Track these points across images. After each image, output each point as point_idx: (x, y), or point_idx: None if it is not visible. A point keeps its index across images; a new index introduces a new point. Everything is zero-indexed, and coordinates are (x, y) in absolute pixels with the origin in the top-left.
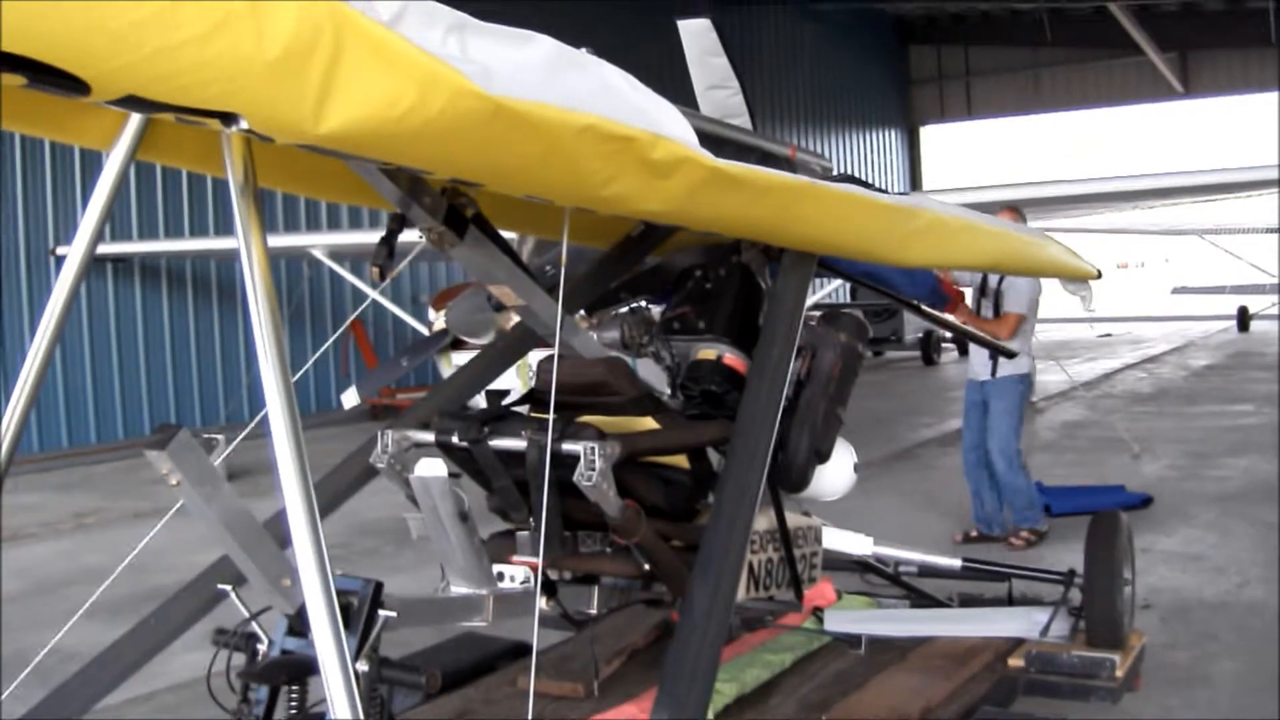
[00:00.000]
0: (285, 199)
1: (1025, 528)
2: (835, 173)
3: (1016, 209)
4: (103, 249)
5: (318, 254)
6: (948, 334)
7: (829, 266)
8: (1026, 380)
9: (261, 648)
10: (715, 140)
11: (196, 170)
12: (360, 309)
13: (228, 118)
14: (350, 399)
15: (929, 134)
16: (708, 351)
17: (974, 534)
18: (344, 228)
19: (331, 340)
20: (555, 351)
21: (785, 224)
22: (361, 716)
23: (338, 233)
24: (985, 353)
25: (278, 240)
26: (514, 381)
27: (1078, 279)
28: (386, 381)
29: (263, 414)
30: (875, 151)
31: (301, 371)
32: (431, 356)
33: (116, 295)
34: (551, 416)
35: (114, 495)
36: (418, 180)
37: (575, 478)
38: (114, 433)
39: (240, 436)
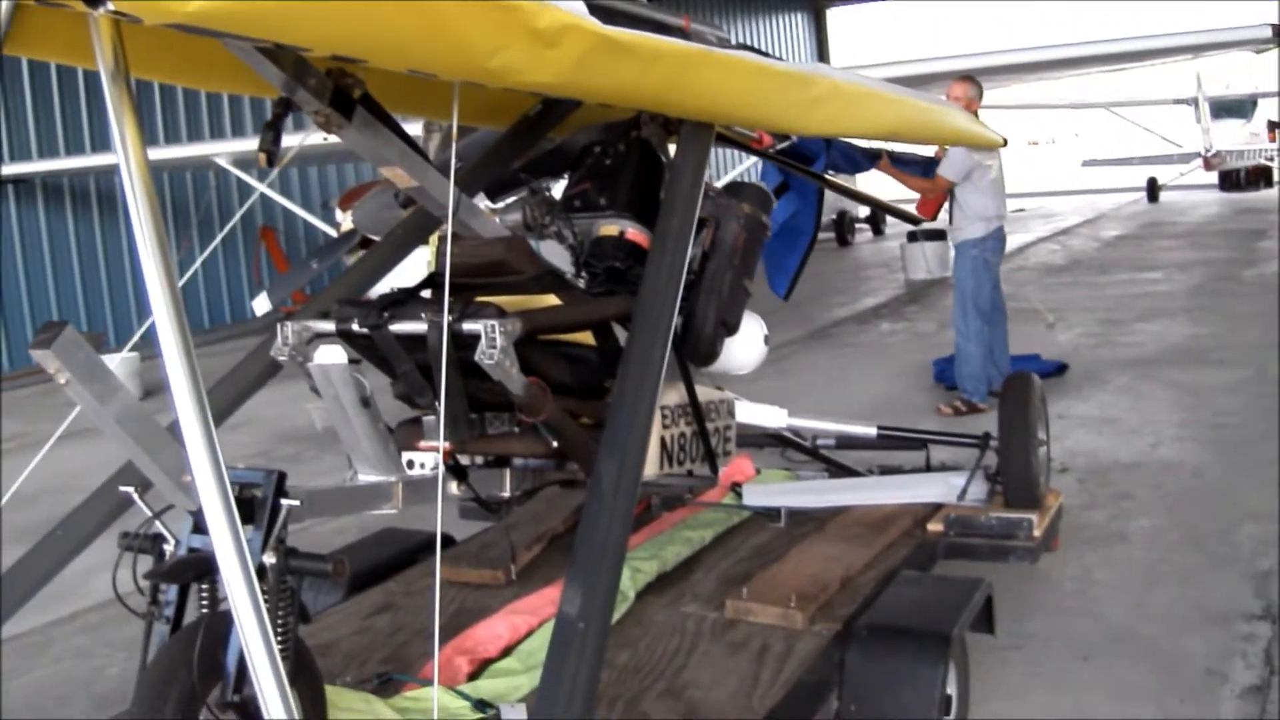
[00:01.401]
0: (188, 108)
1: (963, 398)
2: (733, 43)
3: (971, 78)
4: (3, 170)
5: (223, 162)
6: (861, 215)
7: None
8: (984, 245)
9: (168, 548)
10: (608, 13)
11: (69, 62)
12: (248, 203)
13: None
14: (262, 305)
15: (836, 15)
16: (610, 228)
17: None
18: (248, 134)
19: (213, 245)
20: (449, 231)
21: (680, 93)
22: (262, 606)
23: (242, 139)
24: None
25: (182, 151)
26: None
27: (983, 147)
28: (298, 285)
29: (150, 321)
30: (781, 34)
31: (189, 274)
32: (341, 257)
33: (20, 218)
34: (446, 297)
35: (35, 419)
36: (301, 61)
37: (477, 356)
38: (28, 357)
39: (134, 339)
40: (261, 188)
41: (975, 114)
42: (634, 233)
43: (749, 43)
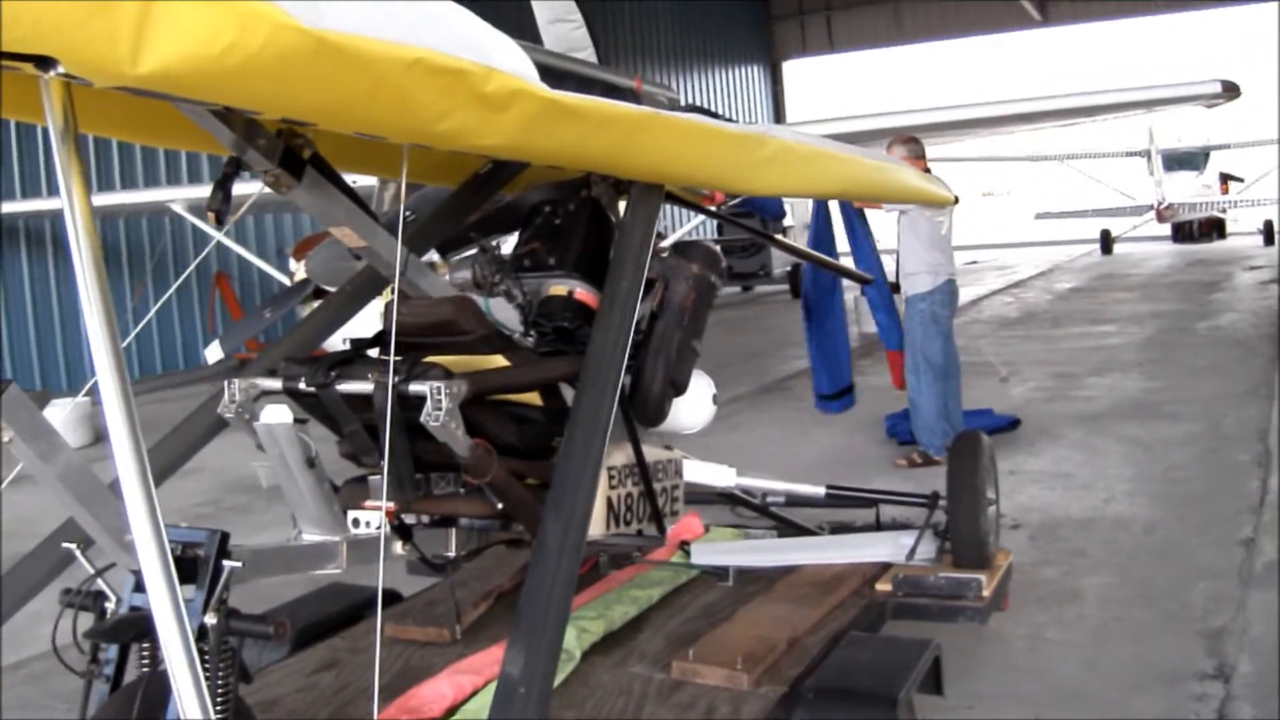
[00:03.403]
0: (144, 155)
1: (919, 451)
2: (683, 104)
3: (914, 138)
4: None
5: (178, 209)
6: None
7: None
8: (931, 299)
9: (110, 605)
10: (559, 74)
11: (19, 119)
12: (202, 254)
13: (43, 61)
14: (214, 353)
15: (791, 69)
16: (559, 288)
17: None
18: (205, 181)
19: (170, 293)
20: (395, 290)
21: (629, 155)
22: (199, 669)
23: (198, 186)
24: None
25: (138, 196)
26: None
27: (934, 205)
28: (250, 334)
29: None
30: (738, 87)
31: (140, 325)
32: (295, 307)
33: None
34: (392, 357)
35: None
36: (251, 122)
37: (422, 418)
38: None
39: (88, 385)
40: (218, 235)
41: (926, 170)
42: (583, 293)
43: (706, 95)
